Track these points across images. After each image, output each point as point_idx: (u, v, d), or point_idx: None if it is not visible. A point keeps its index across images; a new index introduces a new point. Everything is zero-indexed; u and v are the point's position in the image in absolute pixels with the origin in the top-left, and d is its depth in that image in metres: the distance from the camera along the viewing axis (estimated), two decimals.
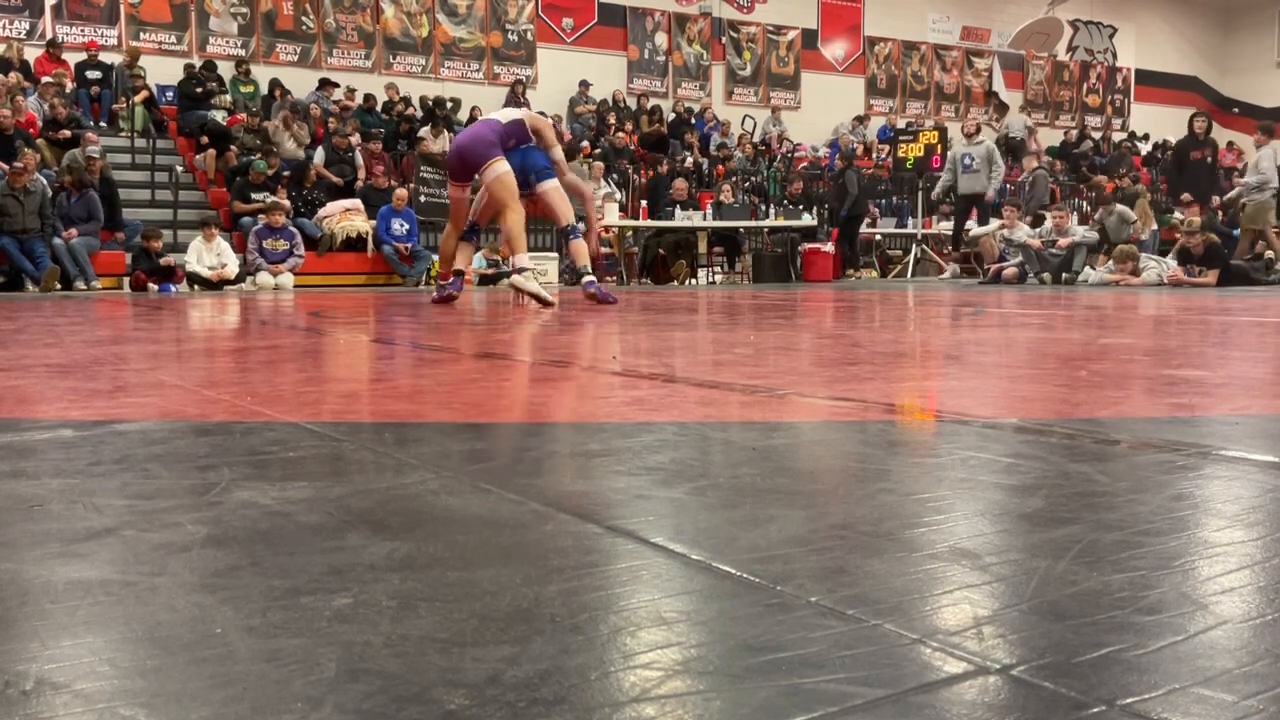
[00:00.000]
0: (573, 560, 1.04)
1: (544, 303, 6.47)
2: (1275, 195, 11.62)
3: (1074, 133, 21.19)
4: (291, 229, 11.29)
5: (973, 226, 12.81)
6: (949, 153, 13.31)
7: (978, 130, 13.14)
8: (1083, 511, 1.22)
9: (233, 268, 10.73)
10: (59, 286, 10.06)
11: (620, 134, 15.68)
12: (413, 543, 1.11)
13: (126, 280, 10.64)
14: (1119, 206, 12.49)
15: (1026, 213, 12.47)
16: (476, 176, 6.70)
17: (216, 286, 10.48)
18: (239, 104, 14.05)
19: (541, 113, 7.44)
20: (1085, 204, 16.10)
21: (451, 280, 7.16)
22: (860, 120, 19.38)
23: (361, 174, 12.96)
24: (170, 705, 0.72)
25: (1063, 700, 0.70)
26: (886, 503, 1.29)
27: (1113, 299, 7.69)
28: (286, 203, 11.63)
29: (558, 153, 7.05)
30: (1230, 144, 22.73)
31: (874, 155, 18.30)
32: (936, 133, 14.29)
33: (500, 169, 6.56)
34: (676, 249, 12.77)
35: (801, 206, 13.80)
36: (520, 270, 6.60)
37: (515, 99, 15.15)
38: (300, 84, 14.80)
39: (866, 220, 15.21)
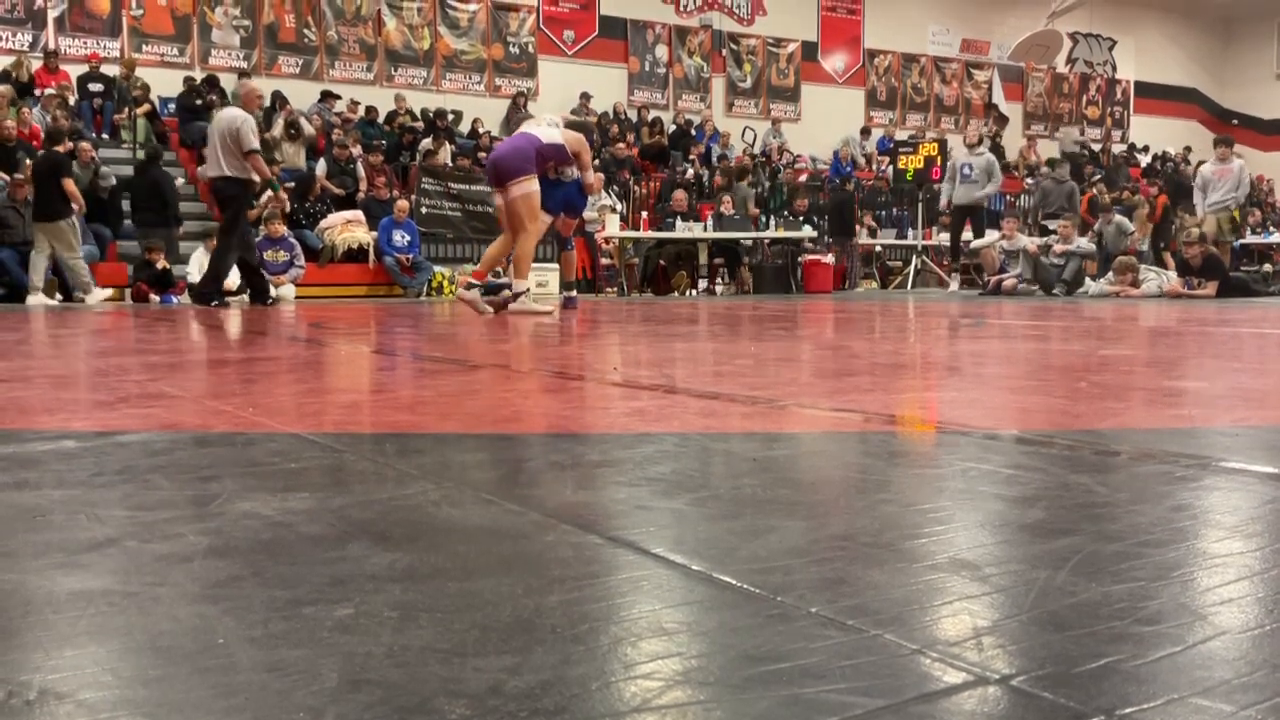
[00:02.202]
0: (574, 571, 1.04)
1: (544, 314, 6.77)
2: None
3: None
4: (291, 240, 11.29)
5: (971, 238, 12.82)
6: (949, 161, 13.31)
7: (980, 141, 13.13)
8: (1083, 522, 1.22)
9: (234, 279, 10.73)
10: (60, 298, 10.07)
11: (621, 145, 15.71)
12: (414, 553, 1.11)
13: (128, 291, 10.64)
14: (1117, 217, 12.48)
15: (1032, 220, 12.44)
16: (505, 187, 6.80)
17: None
18: None
19: (577, 123, 7.80)
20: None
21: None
22: (865, 133, 19.36)
23: (363, 185, 12.98)
24: (172, 715, 0.72)
25: (1062, 710, 0.71)
26: (887, 513, 1.29)
27: (1112, 310, 7.69)
28: (284, 195, 11.62)
29: (590, 175, 7.33)
30: None
31: (874, 167, 18.33)
32: (936, 145, 14.31)
33: (530, 188, 6.68)
34: (677, 260, 12.78)
35: (801, 218, 13.81)
36: (518, 295, 6.93)
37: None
38: (302, 96, 14.83)
39: (866, 231, 15.23)
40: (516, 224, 6.76)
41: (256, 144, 8.34)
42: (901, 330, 5.59)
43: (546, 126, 7.09)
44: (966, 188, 12.56)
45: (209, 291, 8.71)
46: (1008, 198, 16.81)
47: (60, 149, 10.20)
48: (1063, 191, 13.18)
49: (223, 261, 8.79)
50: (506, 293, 7.28)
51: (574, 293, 7.76)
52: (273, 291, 10.80)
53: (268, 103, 14.41)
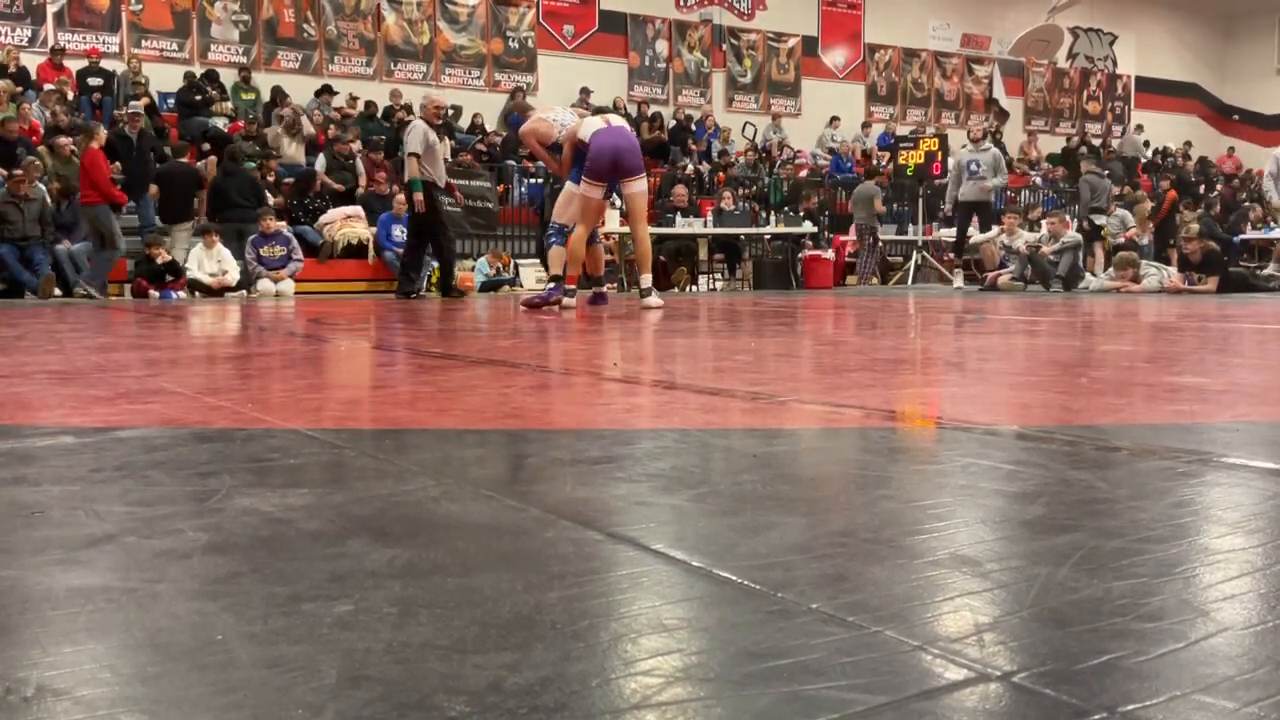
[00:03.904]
0: (573, 567, 1.04)
1: (659, 308, 7.01)
2: None
3: (1075, 139, 21.21)
4: (287, 234, 11.27)
5: (975, 234, 12.76)
6: (953, 158, 13.22)
7: (984, 136, 13.05)
8: (1084, 518, 1.22)
9: (234, 275, 10.73)
10: (59, 293, 10.06)
11: None
12: (413, 549, 1.11)
13: (128, 287, 10.63)
14: (1119, 210, 12.47)
15: (1081, 215, 12.40)
16: (620, 181, 6.93)
17: (218, 293, 10.49)
18: (240, 111, 14.06)
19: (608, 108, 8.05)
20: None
21: (553, 286, 7.22)
22: (833, 121, 19.08)
23: (362, 181, 12.97)
24: (171, 712, 0.72)
25: (1064, 707, 0.70)
26: (887, 509, 1.29)
27: (1113, 306, 7.69)
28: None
29: None
30: (1231, 150, 22.75)
31: (874, 161, 18.29)
32: (937, 140, 14.28)
33: (645, 184, 7.03)
34: (677, 256, 12.77)
35: (803, 213, 13.79)
36: (648, 291, 7.14)
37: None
38: (302, 91, 14.80)
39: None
40: (635, 219, 7.10)
41: (416, 147, 9.34)
42: (901, 326, 5.59)
43: (567, 115, 7.21)
44: (974, 184, 12.38)
45: (448, 284, 9.87)
46: (1009, 193, 16.78)
47: (186, 160, 11.08)
48: (1105, 186, 13.16)
49: (449, 255, 9.90)
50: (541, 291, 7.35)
51: (604, 288, 7.75)
52: (272, 287, 10.82)
53: (266, 98, 14.43)
